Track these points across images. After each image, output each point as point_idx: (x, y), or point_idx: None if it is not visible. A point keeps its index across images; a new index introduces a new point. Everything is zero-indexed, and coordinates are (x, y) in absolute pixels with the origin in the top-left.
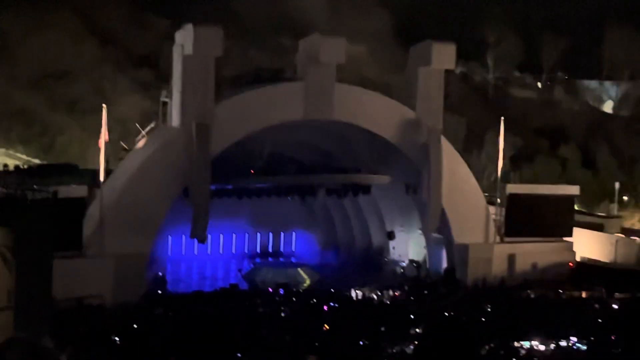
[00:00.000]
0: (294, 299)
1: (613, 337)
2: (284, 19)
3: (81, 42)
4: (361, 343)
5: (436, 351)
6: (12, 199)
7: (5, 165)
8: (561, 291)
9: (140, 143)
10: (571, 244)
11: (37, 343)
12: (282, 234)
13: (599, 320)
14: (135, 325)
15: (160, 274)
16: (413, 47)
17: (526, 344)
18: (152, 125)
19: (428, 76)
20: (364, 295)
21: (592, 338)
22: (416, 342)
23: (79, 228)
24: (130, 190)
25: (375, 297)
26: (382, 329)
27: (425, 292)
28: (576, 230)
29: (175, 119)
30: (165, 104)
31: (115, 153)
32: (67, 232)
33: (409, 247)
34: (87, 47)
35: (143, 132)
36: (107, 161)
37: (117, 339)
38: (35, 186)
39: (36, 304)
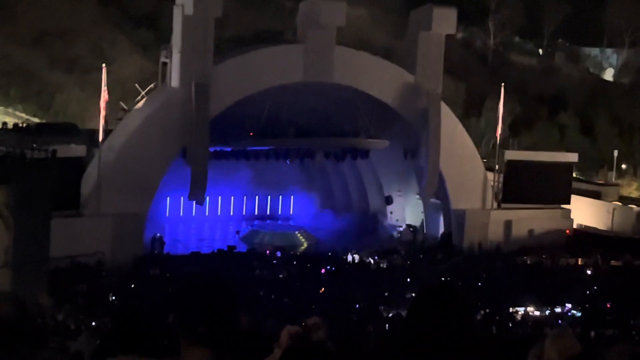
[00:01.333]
0: (291, 262)
1: (608, 305)
2: None
3: (80, 1)
4: (357, 306)
5: (430, 314)
6: (11, 158)
7: (4, 124)
8: (557, 258)
9: (140, 103)
10: (569, 211)
11: (34, 300)
12: (280, 197)
13: (595, 288)
14: (132, 285)
15: (158, 234)
16: (414, 11)
17: (521, 310)
18: (152, 85)
19: (428, 41)
20: (361, 259)
21: (587, 305)
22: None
23: (77, 187)
24: (129, 150)
25: (372, 261)
26: (379, 292)
27: (422, 256)
28: (574, 198)
29: (174, 80)
30: (164, 64)
31: (114, 113)
32: (66, 192)
33: (406, 212)
34: (87, 6)
35: (142, 93)
36: (106, 121)
37: (114, 298)
38: (34, 145)
39: (34, 263)
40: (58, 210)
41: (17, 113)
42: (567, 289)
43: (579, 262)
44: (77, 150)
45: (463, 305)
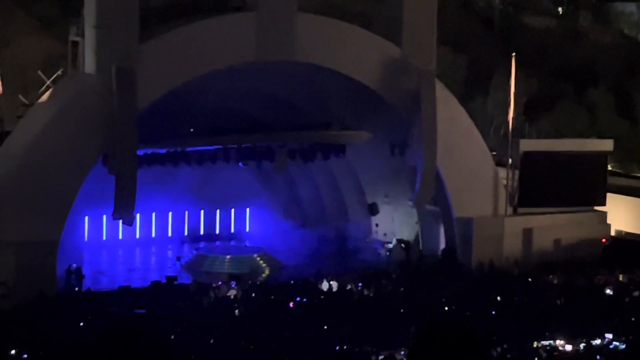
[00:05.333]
0: (250, 294)
1: None
2: None
3: None
4: (337, 348)
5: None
6: None
7: None
8: (592, 275)
9: (45, 96)
10: (605, 214)
11: None
12: (232, 211)
13: None
14: (42, 334)
15: (74, 265)
16: None
17: (548, 344)
18: (60, 72)
19: (416, 3)
20: (339, 286)
21: (631, 336)
22: (409, 346)
23: None
24: (33, 158)
25: (354, 289)
26: (364, 329)
27: (418, 280)
28: (610, 197)
29: (89, 64)
30: (75, 44)
31: (12, 110)
32: None
33: (396, 223)
34: None
35: (48, 82)
36: (1, 120)
37: (20, 352)
38: None
39: None
40: None
41: None
42: (607, 316)
43: (620, 280)
44: None
45: (476, 346)
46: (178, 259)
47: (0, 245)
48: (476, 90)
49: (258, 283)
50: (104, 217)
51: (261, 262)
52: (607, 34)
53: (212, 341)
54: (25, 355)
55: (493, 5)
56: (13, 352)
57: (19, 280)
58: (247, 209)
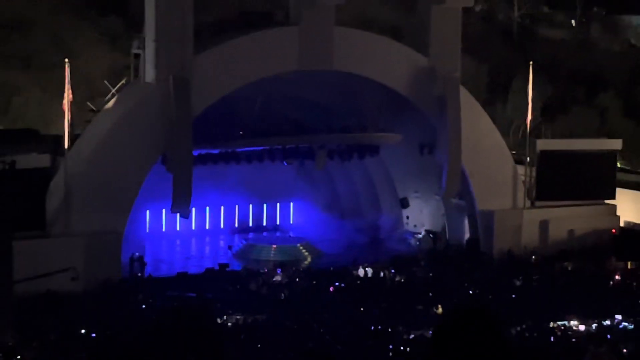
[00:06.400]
0: (294, 279)
1: None
2: None
3: None
4: (372, 328)
5: (459, 335)
6: None
7: None
8: (603, 262)
9: (110, 103)
10: (614, 207)
11: None
12: (277, 205)
13: None
14: (109, 315)
15: (137, 254)
16: None
17: (563, 324)
18: (123, 81)
19: (442, 16)
20: (374, 273)
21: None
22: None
23: (41, 204)
24: (100, 158)
25: (387, 275)
26: (396, 311)
27: (445, 267)
28: (619, 192)
29: (149, 74)
30: (137, 56)
31: (81, 115)
32: (28, 209)
33: (424, 215)
34: None
35: (113, 90)
36: (71, 125)
37: (89, 332)
38: None
39: None
40: (20, 231)
41: None
42: (616, 299)
43: (629, 267)
44: (40, 160)
45: (498, 326)
46: (229, 248)
47: (71, 235)
48: (497, 96)
49: (301, 270)
50: (164, 210)
51: (304, 251)
52: (615, 44)
53: (259, 322)
54: (94, 335)
55: (512, 18)
56: (83, 331)
57: (87, 266)
58: (291, 203)
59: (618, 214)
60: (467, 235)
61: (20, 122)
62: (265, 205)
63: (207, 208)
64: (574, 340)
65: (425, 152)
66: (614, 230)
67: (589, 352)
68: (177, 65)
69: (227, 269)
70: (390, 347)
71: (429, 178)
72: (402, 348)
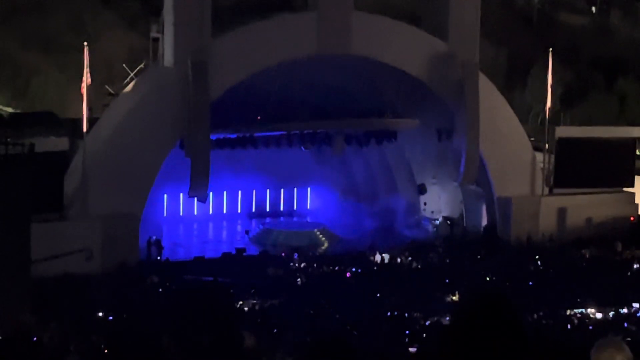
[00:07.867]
0: (311, 264)
1: None
2: None
3: None
4: (389, 314)
5: (476, 322)
6: None
7: None
8: (621, 250)
9: (128, 86)
10: (633, 195)
11: (15, 318)
12: (294, 190)
13: None
14: (125, 298)
15: (154, 237)
16: None
17: (580, 312)
18: (142, 65)
19: (461, 2)
20: (391, 258)
21: None
22: (453, 312)
23: (59, 186)
24: (118, 141)
25: (404, 260)
26: (413, 297)
27: (462, 253)
28: (638, 179)
29: (168, 58)
30: (156, 40)
31: (99, 99)
32: (46, 191)
33: (442, 202)
34: None
35: (131, 74)
36: (90, 108)
37: (107, 313)
38: (7, 139)
39: (13, 275)
40: (38, 213)
41: None
42: (634, 287)
43: None
44: (58, 143)
45: (514, 313)
46: (246, 232)
47: (89, 217)
48: (516, 82)
49: (318, 255)
50: (181, 194)
51: (321, 236)
52: (636, 30)
53: (275, 307)
54: (111, 317)
55: (532, 4)
56: (100, 314)
57: (105, 249)
58: (308, 188)
59: (637, 201)
60: (484, 222)
61: (39, 105)
62: (282, 190)
63: (225, 192)
64: (590, 328)
65: (443, 138)
66: (632, 218)
67: (595, 345)
68: (196, 49)
69: (244, 254)
70: (407, 332)
71: (447, 164)
72: (418, 334)
